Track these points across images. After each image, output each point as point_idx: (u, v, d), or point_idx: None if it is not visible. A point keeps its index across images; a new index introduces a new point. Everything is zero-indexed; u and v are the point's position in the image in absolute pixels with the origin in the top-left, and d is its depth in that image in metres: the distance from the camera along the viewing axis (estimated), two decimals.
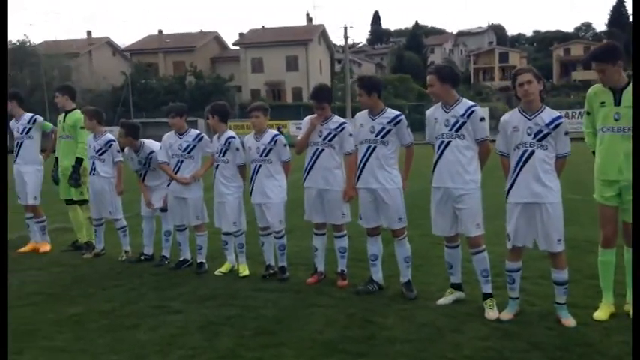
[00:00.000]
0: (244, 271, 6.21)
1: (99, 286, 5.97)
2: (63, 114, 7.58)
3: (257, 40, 63.06)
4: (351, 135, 5.60)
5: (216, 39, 69.47)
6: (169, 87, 54.86)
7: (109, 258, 7.20)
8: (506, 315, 4.68)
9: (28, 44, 55.59)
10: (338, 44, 71.71)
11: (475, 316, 4.76)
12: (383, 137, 5.25)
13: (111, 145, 7.03)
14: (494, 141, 4.74)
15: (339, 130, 5.60)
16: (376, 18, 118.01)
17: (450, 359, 3.94)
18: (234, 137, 6.17)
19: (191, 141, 6.42)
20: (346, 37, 59.25)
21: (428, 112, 5.12)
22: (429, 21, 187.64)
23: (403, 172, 5.39)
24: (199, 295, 5.58)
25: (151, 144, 6.90)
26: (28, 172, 7.57)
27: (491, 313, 4.72)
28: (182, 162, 6.40)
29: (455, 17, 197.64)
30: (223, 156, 6.14)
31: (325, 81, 67.51)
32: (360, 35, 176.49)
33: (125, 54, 68.50)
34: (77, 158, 7.29)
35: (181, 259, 6.66)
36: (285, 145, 5.99)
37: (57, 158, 7.65)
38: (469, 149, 4.83)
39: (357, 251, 6.20)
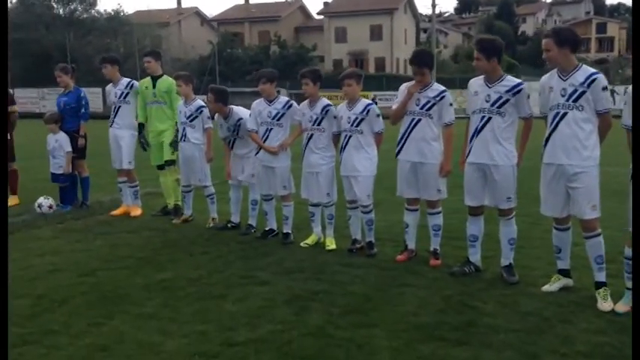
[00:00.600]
0: (331, 244, 6.00)
1: (187, 253, 5.96)
2: (149, 79, 7.58)
3: (341, 9, 62.28)
4: (451, 104, 5.21)
5: (301, 8, 69.22)
6: (254, 56, 55.32)
7: (196, 224, 7.21)
8: (623, 307, 4.21)
9: (122, 14, 57.47)
10: (424, 13, 69.89)
11: (586, 307, 4.32)
12: (499, 107, 4.78)
13: (201, 110, 6.97)
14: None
15: (438, 98, 5.22)
16: None
17: (562, 354, 3.56)
18: (330, 105, 5.92)
19: (280, 108, 6.22)
20: (434, 5, 57.40)
21: (542, 79, 4.64)
22: None
23: (519, 148, 4.92)
24: (286, 267, 5.44)
25: (239, 111, 6.78)
26: (123, 137, 7.67)
27: (605, 304, 4.26)
28: (271, 130, 6.22)
29: None
30: (319, 124, 5.89)
31: (410, 51, 65.67)
32: (447, 4, 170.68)
33: (212, 24, 69.71)
34: (176, 122, 7.29)
35: (267, 228, 6.54)
36: (378, 115, 5.66)
37: (142, 124, 7.69)
38: (588, 122, 4.34)
39: (449, 229, 5.83)
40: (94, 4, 56.98)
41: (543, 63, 5.11)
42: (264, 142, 6.23)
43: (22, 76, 46.29)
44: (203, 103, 7.04)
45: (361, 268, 5.36)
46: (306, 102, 6.04)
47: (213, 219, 7.10)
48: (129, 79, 7.80)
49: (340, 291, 4.73)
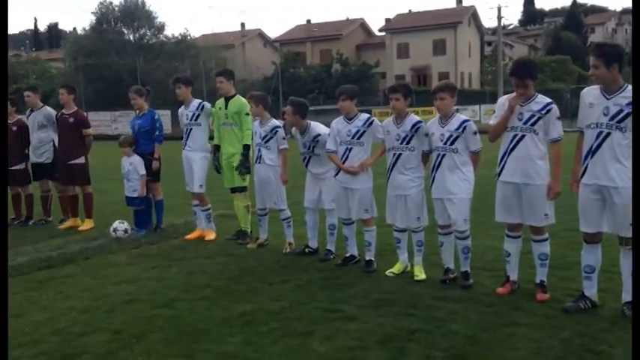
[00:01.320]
0: (420, 274, 5.52)
1: (265, 282, 5.61)
2: (222, 100, 7.36)
3: (403, 25, 61.86)
4: (559, 118, 4.67)
5: (362, 26, 69.27)
6: (316, 75, 55.52)
7: (272, 249, 6.88)
8: None
9: (189, 37, 59.05)
10: (487, 26, 68.35)
11: None
12: (620, 122, 4.25)
13: (276, 131, 6.67)
14: None
15: (543, 111, 4.68)
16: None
17: None
18: (421, 121, 5.48)
19: (361, 126, 5.83)
20: (499, 17, 56.16)
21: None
22: None
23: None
24: (373, 299, 5.00)
25: (317, 126, 6.45)
26: (195, 160, 7.48)
27: None
28: (351, 149, 5.84)
29: None
30: (408, 143, 5.45)
31: (474, 65, 64.89)
32: (512, 16, 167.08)
33: (275, 44, 70.72)
34: (245, 145, 7.05)
35: (348, 255, 6.13)
36: (475, 133, 5.18)
37: (216, 146, 7.45)
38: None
39: (551, 256, 5.23)
40: (162, 29, 58.88)
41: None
42: (344, 162, 5.85)
43: (94, 100, 48.18)
44: (278, 123, 6.75)
45: (459, 302, 4.84)
46: (391, 118, 5.62)
47: (289, 244, 6.75)
48: (199, 101, 7.63)
49: (439, 330, 4.24)
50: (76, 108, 8.63)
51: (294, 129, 6.53)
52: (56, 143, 8.79)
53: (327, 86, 54.66)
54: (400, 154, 5.46)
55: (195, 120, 7.51)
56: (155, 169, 7.97)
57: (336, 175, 5.98)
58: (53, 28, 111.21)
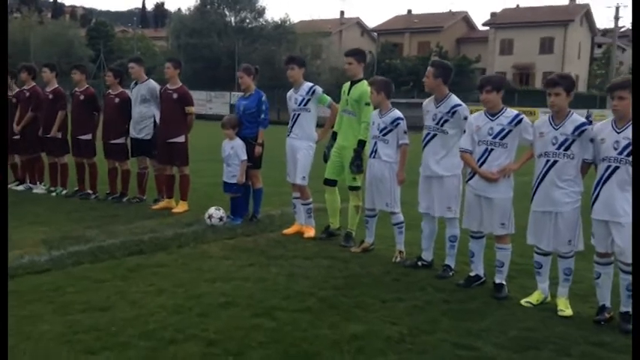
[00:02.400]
0: (566, 309, 4.57)
1: (376, 297, 4.85)
2: (348, 83, 6.61)
3: (510, 20, 58.97)
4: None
5: (465, 19, 66.83)
6: (412, 67, 54.06)
7: (379, 256, 6.11)
8: None
9: (288, 22, 59.16)
10: (599, 26, 64.09)
11: None
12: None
13: (398, 123, 5.87)
14: None
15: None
16: None
17: None
18: (588, 124, 4.52)
19: (507, 124, 4.92)
20: (617, 17, 52.54)
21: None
22: None
23: None
24: (512, 337, 4.11)
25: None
26: (300, 149, 6.81)
27: None
28: (491, 151, 4.94)
29: None
30: (567, 149, 4.52)
31: (583, 67, 60.96)
32: (625, 18, 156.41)
33: (372, 34, 69.72)
34: (360, 141, 6.30)
35: (472, 274, 5.25)
36: None
37: (334, 133, 6.75)
38: None
39: None
40: (262, 12, 59.32)
41: None
42: (481, 165, 4.97)
43: (192, 79, 49.21)
44: (400, 114, 5.93)
45: (622, 352, 3.88)
46: (546, 118, 4.70)
47: (400, 252, 5.95)
48: (311, 84, 6.93)
49: None
50: (180, 84, 8.20)
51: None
52: (157, 119, 8.43)
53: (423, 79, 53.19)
54: (556, 161, 4.53)
55: (304, 105, 6.83)
56: (258, 155, 7.39)
57: (469, 179, 5.11)
58: (160, 7, 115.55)
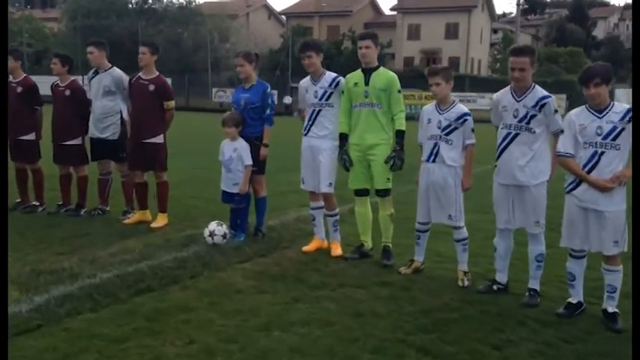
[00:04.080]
0: None
1: (484, 341, 3.93)
2: (359, 73, 5.59)
3: (416, 6, 59.81)
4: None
5: (372, 3, 67.15)
6: (326, 52, 53.13)
7: (437, 278, 5.18)
8: None
9: (193, 3, 56.53)
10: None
11: None
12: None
13: (465, 119, 4.95)
14: None
15: None
16: None
17: None
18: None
19: (617, 121, 4.15)
20: (518, 4, 54.67)
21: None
22: None
23: None
24: None
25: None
26: (323, 150, 5.73)
27: None
28: (602, 154, 4.17)
29: None
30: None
31: (484, 51, 63.06)
32: (511, 5, 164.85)
33: (281, 17, 68.35)
34: (400, 132, 5.37)
35: (574, 301, 4.46)
36: None
37: (344, 135, 5.70)
38: None
39: None
40: None
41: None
42: (589, 172, 4.19)
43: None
44: (466, 110, 5.02)
45: None
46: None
47: (465, 273, 5.07)
48: (334, 75, 5.85)
49: None
50: (157, 73, 6.81)
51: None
52: (124, 115, 7.00)
53: (337, 63, 52.67)
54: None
55: (327, 99, 5.75)
56: (263, 157, 6.24)
57: (572, 189, 4.30)
58: None
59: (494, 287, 4.84)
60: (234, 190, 6.14)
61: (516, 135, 4.57)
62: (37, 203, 7.45)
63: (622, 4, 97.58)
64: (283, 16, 67.99)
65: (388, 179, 5.52)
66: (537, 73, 4.94)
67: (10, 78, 7.40)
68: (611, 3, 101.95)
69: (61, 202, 7.42)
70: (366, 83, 5.51)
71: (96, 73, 7.06)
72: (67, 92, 7.14)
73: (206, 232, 5.94)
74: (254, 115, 6.18)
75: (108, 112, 6.94)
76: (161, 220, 6.82)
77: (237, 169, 6.11)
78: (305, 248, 5.92)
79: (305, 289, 4.81)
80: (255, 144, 6.17)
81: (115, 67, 7.08)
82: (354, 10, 62.84)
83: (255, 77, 6.28)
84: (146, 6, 55.54)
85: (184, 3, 55.69)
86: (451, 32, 58.55)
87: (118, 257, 5.48)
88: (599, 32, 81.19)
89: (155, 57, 6.79)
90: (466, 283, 4.97)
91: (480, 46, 61.79)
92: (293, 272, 5.26)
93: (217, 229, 5.95)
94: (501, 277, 4.86)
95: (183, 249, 5.82)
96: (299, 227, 6.90)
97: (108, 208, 7.39)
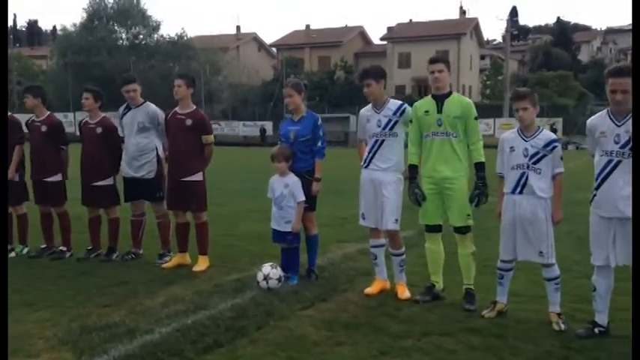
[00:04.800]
0: None
1: None
2: (430, 100, 5.21)
3: (406, 34, 60.50)
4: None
5: (361, 34, 67.82)
6: (319, 82, 53.56)
7: (528, 320, 4.74)
8: None
9: (185, 38, 56.66)
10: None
11: None
12: None
13: (554, 146, 4.58)
14: None
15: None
16: (514, 13, 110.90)
17: None
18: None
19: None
20: (508, 31, 55.34)
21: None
22: (571, 17, 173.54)
23: None
24: None
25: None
26: (387, 183, 5.32)
27: None
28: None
29: (600, 13, 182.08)
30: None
31: (474, 78, 63.57)
32: (494, 32, 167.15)
33: (271, 50, 68.75)
34: (480, 164, 5.00)
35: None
36: None
37: (414, 167, 5.31)
38: None
39: None
40: (157, 28, 56.32)
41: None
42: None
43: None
44: (555, 136, 4.66)
45: None
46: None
47: (559, 315, 4.63)
48: (399, 102, 5.50)
49: None
50: (194, 107, 6.44)
51: None
52: (160, 152, 6.59)
53: (330, 94, 52.77)
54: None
55: (391, 128, 5.37)
56: (315, 193, 5.83)
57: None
58: (33, 25, 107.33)
59: (596, 330, 4.41)
60: (287, 228, 5.71)
61: (619, 162, 4.20)
62: (65, 248, 6.97)
63: (604, 29, 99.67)
64: (273, 48, 68.42)
65: (469, 215, 5.10)
66: None
67: (33, 117, 7.00)
68: (593, 27, 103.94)
69: (90, 247, 6.94)
70: (439, 111, 5.12)
71: (128, 109, 6.66)
72: (99, 130, 6.72)
73: (260, 276, 5.49)
74: (304, 148, 5.80)
75: (143, 149, 6.53)
76: (202, 263, 6.36)
77: (288, 205, 5.69)
78: (368, 291, 5.47)
79: (386, 339, 4.36)
80: (307, 179, 5.76)
81: (148, 102, 6.70)
82: (344, 40, 63.44)
83: (304, 108, 5.91)
84: (137, 41, 55.51)
85: (176, 38, 55.74)
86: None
87: (171, 308, 5.00)
88: (584, 56, 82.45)
89: (191, 90, 6.44)
90: (562, 326, 4.52)
91: (470, 73, 62.44)
92: (365, 319, 4.80)
93: (272, 272, 5.49)
94: (602, 319, 4.43)
95: (237, 295, 5.36)
96: (350, 266, 6.47)
97: (141, 252, 6.91)
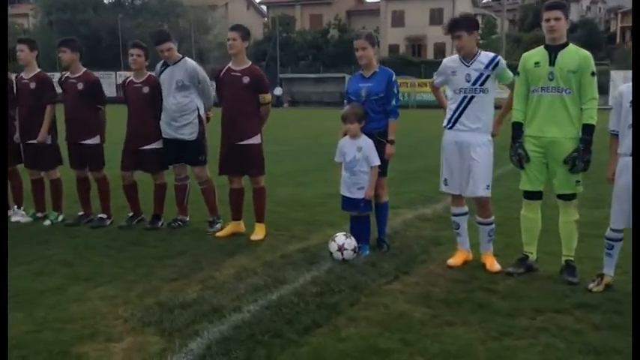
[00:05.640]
0: None
1: None
2: (543, 50, 4.67)
3: None
4: None
5: None
6: (312, 41, 52.46)
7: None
8: None
9: None
10: None
11: None
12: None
13: None
14: None
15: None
16: None
17: None
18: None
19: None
20: None
21: None
22: None
23: None
24: None
25: None
26: (476, 145, 4.85)
27: None
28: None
29: None
30: None
31: None
32: None
33: (261, 8, 67.10)
34: (588, 126, 4.53)
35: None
36: None
37: (519, 124, 4.79)
38: None
39: None
40: None
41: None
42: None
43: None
44: None
45: None
46: None
47: None
48: (493, 54, 4.99)
49: None
50: (249, 62, 5.90)
51: None
52: (202, 112, 6.08)
53: (324, 53, 51.67)
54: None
55: (482, 84, 4.87)
56: (389, 156, 5.38)
57: None
58: None
59: None
60: (359, 195, 5.27)
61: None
62: (105, 216, 6.48)
63: None
64: (263, 7, 66.79)
65: (578, 182, 4.65)
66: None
67: (68, 73, 6.41)
68: None
69: (132, 214, 6.46)
70: (551, 63, 4.60)
71: (165, 65, 6.09)
72: (145, 89, 6.15)
73: (333, 246, 5.07)
74: (377, 107, 5.30)
75: (183, 109, 5.99)
76: (260, 232, 5.93)
77: (361, 170, 5.24)
78: (451, 262, 5.08)
79: (499, 318, 3.97)
80: (380, 141, 5.30)
81: (186, 58, 6.12)
82: None
83: (376, 63, 5.40)
84: None
85: None
86: (436, 18, 57.94)
87: (247, 282, 4.58)
88: (573, 15, 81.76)
89: (246, 43, 5.87)
90: None
91: None
92: (462, 294, 4.41)
93: (347, 242, 5.07)
94: None
95: (312, 267, 4.95)
96: (416, 234, 6.09)
97: (188, 219, 6.46)
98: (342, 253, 5.03)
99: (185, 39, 49.34)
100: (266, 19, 64.14)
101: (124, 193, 6.45)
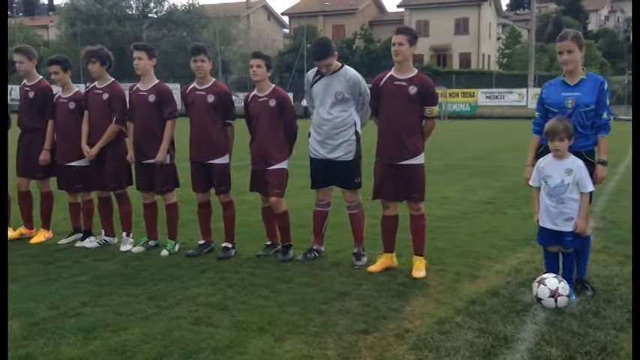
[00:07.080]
0: None
1: None
2: None
3: (424, 1, 58.39)
4: None
5: (375, 1, 65.57)
6: (338, 51, 51.57)
7: None
8: None
9: (197, 5, 54.64)
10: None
11: None
12: None
13: None
14: None
15: None
16: None
17: None
18: None
19: None
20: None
21: None
22: None
23: None
24: None
25: None
26: None
27: None
28: None
29: None
30: None
31: (493, 46, 61.58)
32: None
33: (281, 18, 66.68)
34: None
35: None
36: None
37: None
38: None
39: None
40: None
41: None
42: None
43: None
44: None
45: None
46: None
47: None
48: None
49: None
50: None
51: None
52: (359, 129, 5.24)
53: (350, 63, 50.91)
54: None
55: None
56: (601, 180, 4.48)
57: None
58: None
59: None
60: (566, 227, 4.35)
61: None
62: (230, 245, 5.62)
63: None
64: (285, 17, 66.39)
65: None
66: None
67: (195, 84, 5.61)
68: None
69: (269, 243, 5.61)
70: None
71: (320, 75, 5.25)
72: (272, 103, 5.32)
73: (544, 292, 4.15)
74: (586, 121, 4.42)
75: (340, 125, 5.14)
76: (421, 266, 5.03)
77: (570, 197, 4.33)
78: None
79: None
80: (589, 161, 4.41)
81: (346, 66, 5.29)
82: (359, 8, 61.31)
83: (583, 70, 4.53)
84: (147, 10, 53.49)
85: (187, 6, 53.62)
86: (461, 28, 57.23)
87: (453, 337, 3.69)
88: (592, 24, 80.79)
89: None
90: None
91: (489, 41, 60.67)
92: None
93: (561, 286, 4.17)
94: None
95: (525, 318, 4.04)
96: (609, 272, 5.14)
97: (323, 248, 5.59)
98: (557, 300, 4.13)
99: (209, 49, 48.92)
100: (287, 30, 63.68)
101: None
